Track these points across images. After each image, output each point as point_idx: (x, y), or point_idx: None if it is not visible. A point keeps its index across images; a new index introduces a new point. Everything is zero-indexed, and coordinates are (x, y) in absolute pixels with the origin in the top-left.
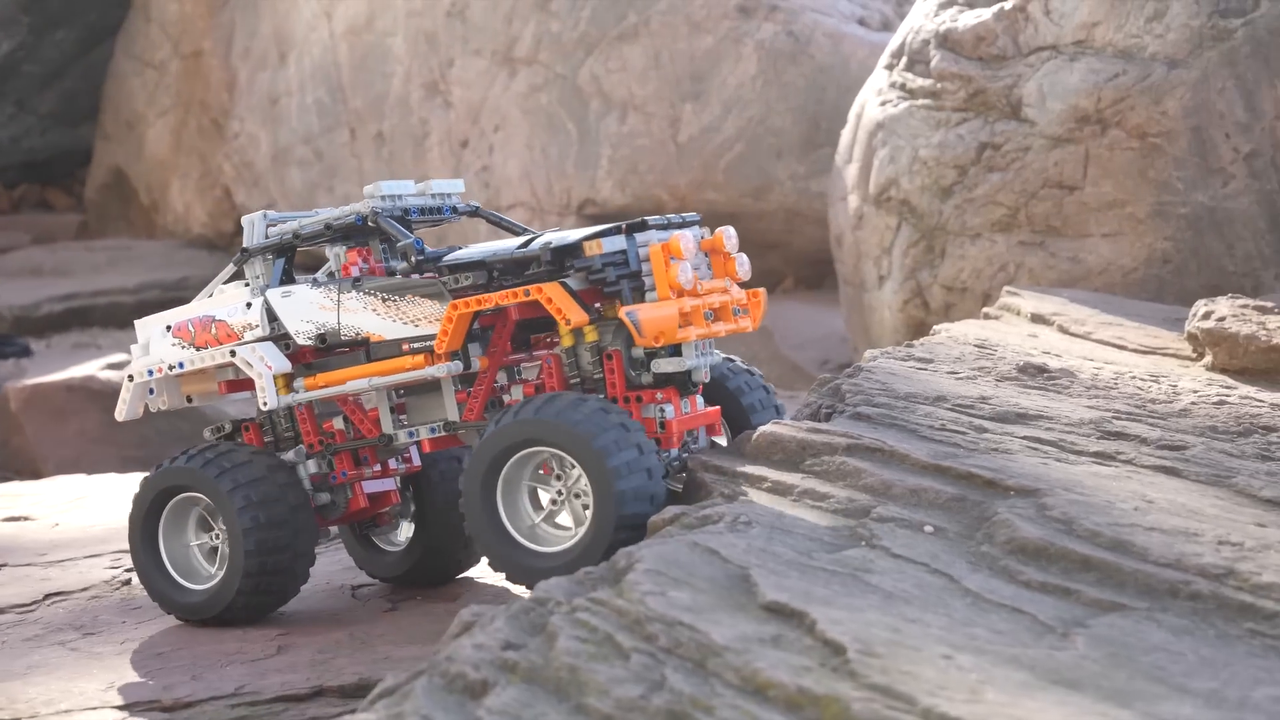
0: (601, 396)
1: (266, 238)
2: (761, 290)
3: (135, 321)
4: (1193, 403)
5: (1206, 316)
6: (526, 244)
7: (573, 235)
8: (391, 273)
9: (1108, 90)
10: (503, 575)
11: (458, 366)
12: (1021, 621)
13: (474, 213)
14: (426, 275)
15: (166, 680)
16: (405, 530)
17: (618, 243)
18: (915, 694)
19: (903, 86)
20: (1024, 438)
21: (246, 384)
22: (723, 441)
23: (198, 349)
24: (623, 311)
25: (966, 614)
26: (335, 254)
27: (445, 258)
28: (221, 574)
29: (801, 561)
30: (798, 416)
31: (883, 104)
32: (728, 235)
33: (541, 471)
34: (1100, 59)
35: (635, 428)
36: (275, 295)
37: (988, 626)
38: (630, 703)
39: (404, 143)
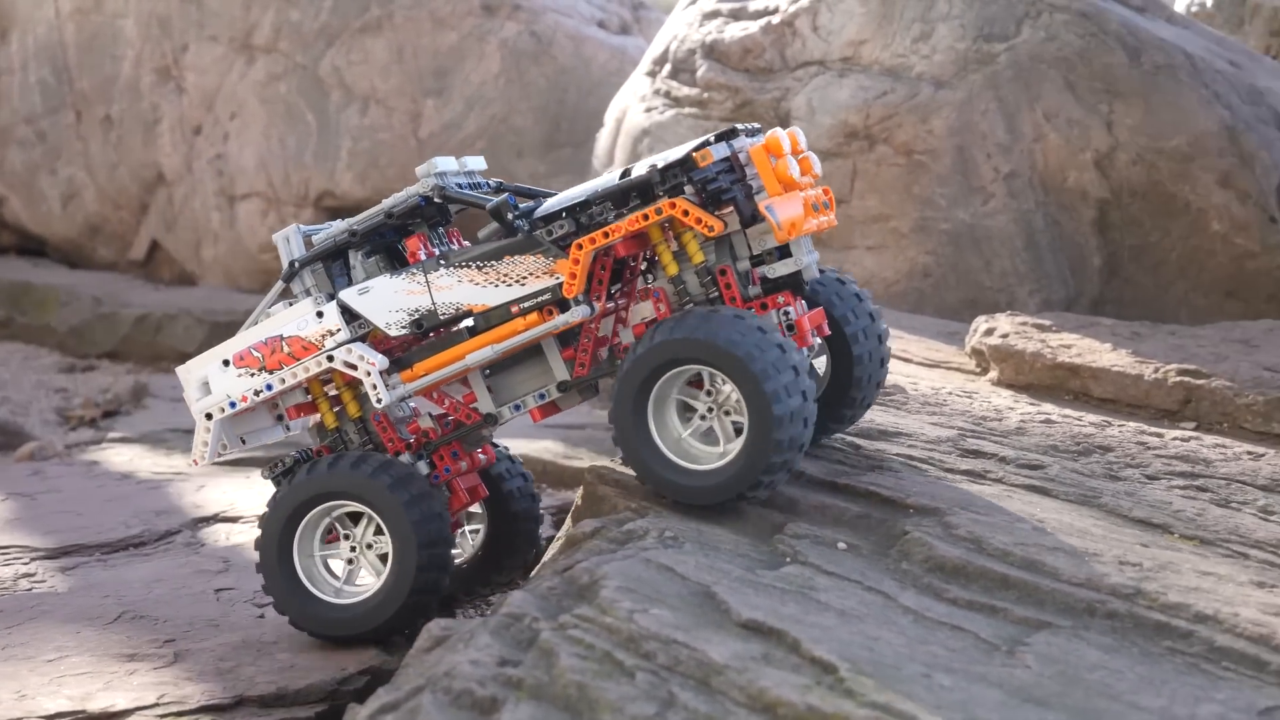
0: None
1: (308, 248)
2: (829, 187)
3: (177, 370)
4: (1022, 421)
5: (989, 333)
6: (625, 174)
7: (674, 153)
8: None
9: (876, 107)
10: (663, 495)
11: (588, 310)
12: (967, 639)
13: (499, 188)
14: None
15: (80, 689)
16: (467, 543)
17: (722, 150)
18: (916, 713)
19: (668, 94)
20: (898, 455)
21: (310, 408)
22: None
23: (272, 371)
24: (763, 206)
25: (916, 632)
26: (355, 268)
27: (536, 210)
28: (383, 582)
29: (751, 579)
30: None
31: (647, 110)
32: (800, 135)
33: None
34: (869, 76)
35: (791, 347)
36: (351, 295)
37: (940, 644)
38: None
39: (133, 127)
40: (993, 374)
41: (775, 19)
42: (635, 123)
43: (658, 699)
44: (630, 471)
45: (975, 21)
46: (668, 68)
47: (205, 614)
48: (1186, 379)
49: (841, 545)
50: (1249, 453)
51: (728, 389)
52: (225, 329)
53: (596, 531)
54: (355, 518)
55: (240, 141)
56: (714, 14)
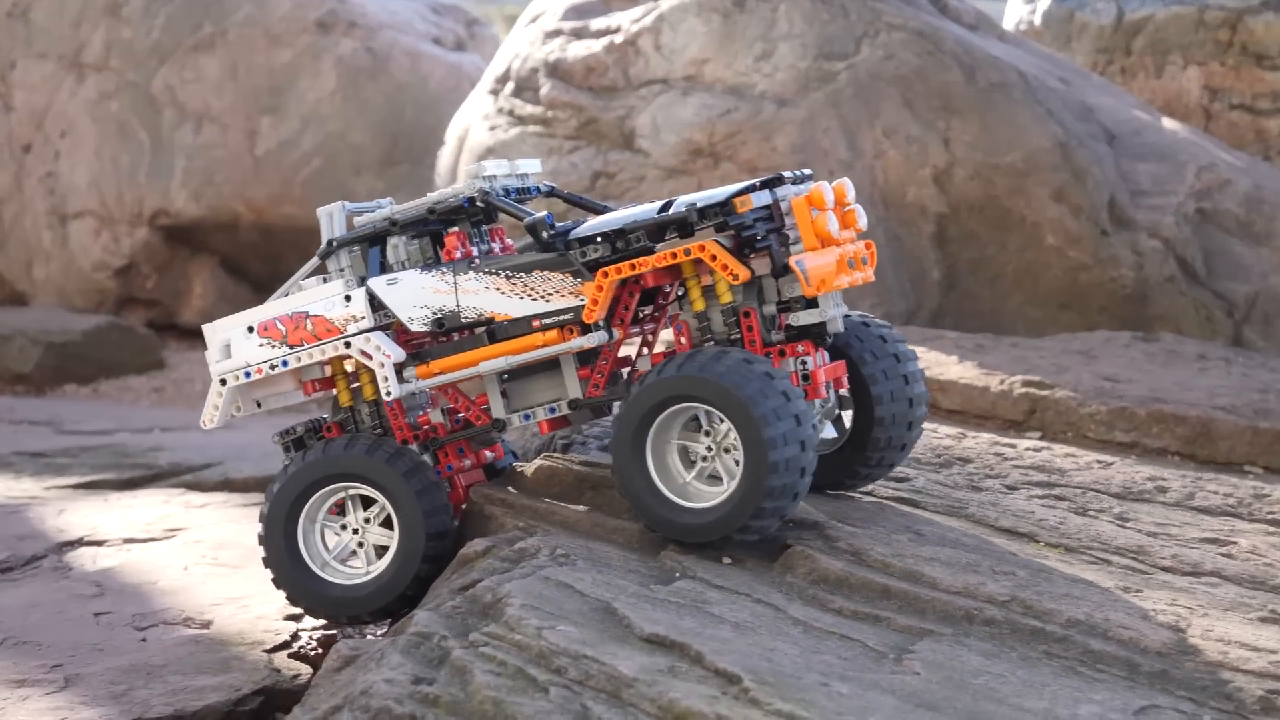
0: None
1: (349, 229)
2: (872, 241)
3: (204, 327)
4: None
5: None
6: (665, 208)
7: (717, 194)
8: (484, 255)
9: (720, 125)
10: (653, 530)
11: (606, 337)
12: (855, 648)
13: (550, 192)
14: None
15: None
16: None
17: (764, 198)
18: None
19: (511, 112)
20: None
21: (328, 384)
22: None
23: (292, 347)
24: (793, 260)
25: (808, 642)
26: (394, 245)
27: (574, 231)
28: (387, 565)
29: (646, 594)
30: (533, 449)
31: (491, 129)
32: (848, 187)
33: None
34: (712, 94)
35: (795, 395)
36: (380, 284)
37: (832, 654)
38: None
39: None
40: None
41: (618, 38)
42: (479, 140)
43: (572, 712)
44: (512, 490)
45: (816, 40)
46: (510, 86)
47: (87, 638)
48: (1031, 390)
49: (726, 560)
50: (1098, 461)
51: (724, 427)
52: (61, 349)
53: (488, 550)
54: (366, 503)
55: (72, 160)
56: (556, 32)
